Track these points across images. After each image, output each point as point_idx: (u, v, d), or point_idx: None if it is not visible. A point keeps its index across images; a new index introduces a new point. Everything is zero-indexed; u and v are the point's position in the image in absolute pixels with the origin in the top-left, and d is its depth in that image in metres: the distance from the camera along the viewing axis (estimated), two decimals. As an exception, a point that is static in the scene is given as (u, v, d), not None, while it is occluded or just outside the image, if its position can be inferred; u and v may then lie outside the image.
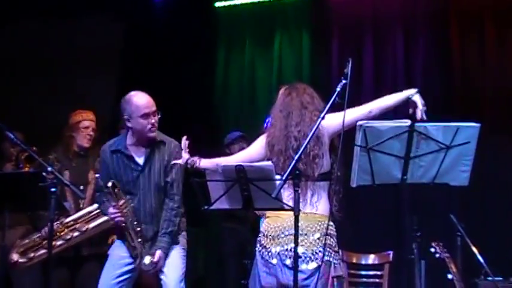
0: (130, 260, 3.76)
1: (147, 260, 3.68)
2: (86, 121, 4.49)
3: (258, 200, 3.08)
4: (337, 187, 3.35)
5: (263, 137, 3.46)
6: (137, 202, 3.78)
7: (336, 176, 3.31)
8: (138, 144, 3.78)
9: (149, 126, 3.69)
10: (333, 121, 3.25)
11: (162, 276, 3.77)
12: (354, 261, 4.98)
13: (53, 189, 3.50)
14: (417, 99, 3.31)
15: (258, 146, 3.47)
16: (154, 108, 3.70)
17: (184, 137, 3.49)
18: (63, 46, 6.42)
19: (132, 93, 3.74)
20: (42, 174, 3.60)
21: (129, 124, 3.71)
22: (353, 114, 3.24)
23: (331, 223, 3.31)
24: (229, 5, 6.42)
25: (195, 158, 3.44)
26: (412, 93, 3.35)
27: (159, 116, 3.73)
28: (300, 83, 3.62)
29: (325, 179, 3.32)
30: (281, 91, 3.53)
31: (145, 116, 3.66)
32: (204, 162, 3.44)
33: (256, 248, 3.37)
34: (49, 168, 3.57)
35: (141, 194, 3.78)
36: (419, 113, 3.26)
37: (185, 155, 3.45)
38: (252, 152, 3.49)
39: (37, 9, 6.32)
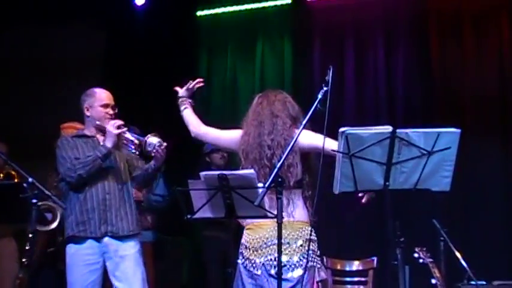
0: (97, 261, 3.78)
1: (154, 139, 3.81)
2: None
3: (241, 208, 3.08)
4: (309, 192, 3.36)
5: (240, 133, 3.48)
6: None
7: (308, 182, 3.35)
8: (96, 134, 3.96)
9: (107, 115, 3.90)
10: (304, 139, 3.26)
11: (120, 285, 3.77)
12: (338, 268, 4.98)
13: (34, 201, 3.49)
14: None
15: (232, 136, 3.51)
16: (113, 103, 3.97)
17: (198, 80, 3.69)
18: (45, 54, 6.37)
19: (94, 88, 4.02)
20: (23, 185, 3.58)
21: (87, 113, 3.94)
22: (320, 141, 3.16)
23: (307, 228, 3.32)
24: (211, 14, 6.44)
25: (187, 102, 3.65)
26: None
27: (116, 111, 3.95)
28: (273, 90, 3.63)
29: (301, 186, 3.34)
30: (254, 100, 3.55)
31: (105, 106, 3.92)
32: (187, 113, 3.63)
33: (239, 261, 3.36)
34: (30, 179, 3.54)
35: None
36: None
37: (185, 91, 3.66)
38: (224, 136, 3.57)
39: (17, 18, 6.27)
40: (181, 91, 3.68)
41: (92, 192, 3.79)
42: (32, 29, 6.37)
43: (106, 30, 6.56)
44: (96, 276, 3.78)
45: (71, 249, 3.81)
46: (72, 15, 6.26)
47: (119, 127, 3.77)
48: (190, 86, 3.68)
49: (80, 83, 6.19)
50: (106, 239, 3.78)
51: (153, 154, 3.81)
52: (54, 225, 4.36)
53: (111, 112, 3.93)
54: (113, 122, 3.80)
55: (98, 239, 3.78)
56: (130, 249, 3.82)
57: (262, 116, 3.42)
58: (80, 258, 3.78)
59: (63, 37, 6.37)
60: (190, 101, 3.67)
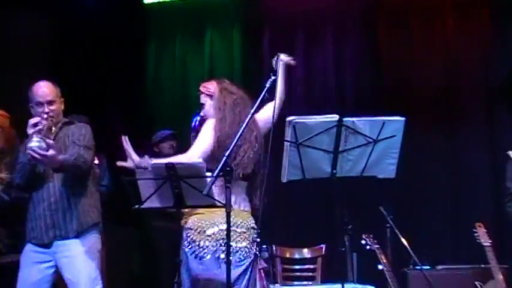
0: (47, 260, 3.67)
1: (33, 143, 3.40)
2: None
3: (190, 197, 3.09)
4: (257, 182, 3.43)
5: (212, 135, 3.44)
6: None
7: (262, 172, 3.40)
8: None
9: (43, 114, 3.63)
10: (261, 116, 3.35)
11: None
12: (288, 256, 5.04)
13: None
14: (284, 57, 3.39)
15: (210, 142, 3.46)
16: (49, 98, 3.71)
17: (124, 137, 3.44)
18: None
19: (36, 83, 3.77)
20: None
21: (32, 111, 3.74)
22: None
23: (251, 217, 3.41)
24: (160, 2, 6.35)
25: (147, 160, 3.38)
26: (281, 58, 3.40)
27: (53, 107, 3.70)
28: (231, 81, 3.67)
29: (247, 178, 3.41)
30: (217, 88, 3.55)
31: (39, 104, 3.68)
32: (176, 159, 3.39)
33: (186, 243, 3.37)
34: None
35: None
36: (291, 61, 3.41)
37: (135, 156, 3.39)
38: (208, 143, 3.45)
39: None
40: (132, 162, 3.40)
41: (38, 196, 3.67)
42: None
43: (50, 17, 6.36)
44: (43, 275, 3.67)
45: (26, 246, 3.73)
46: (12, 1, 6.04)
47: (35, 125, 3.52)
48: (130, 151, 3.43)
49: (24, 72, 6.03)
50: (55, 242, 3.66)
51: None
52: None
53: (47, 110, 3.66)
54: (30, 120, 3.56)
55: (47, 245, 3.67)
56: (80, 247, 3.67)
57: (239, 106, 3.47)
58: (30, 255, 3.69)
59: (5, 23, 6.15)
60: (147, 156, 3.43)
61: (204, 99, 3.60)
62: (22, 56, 6.10)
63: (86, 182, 3.77)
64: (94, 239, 3.74)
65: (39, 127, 3.53)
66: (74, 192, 3.70)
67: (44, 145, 3.41)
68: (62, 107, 3.80)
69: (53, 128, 3.69)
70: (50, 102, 3.70)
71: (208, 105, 3.56)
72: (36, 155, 3.39)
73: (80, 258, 3.66)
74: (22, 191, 3.76)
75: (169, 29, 6.42)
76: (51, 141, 3.47)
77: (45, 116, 3.63)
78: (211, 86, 3.60)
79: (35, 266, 3.68)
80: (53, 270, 3.70)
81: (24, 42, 6.14)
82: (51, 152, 3.40)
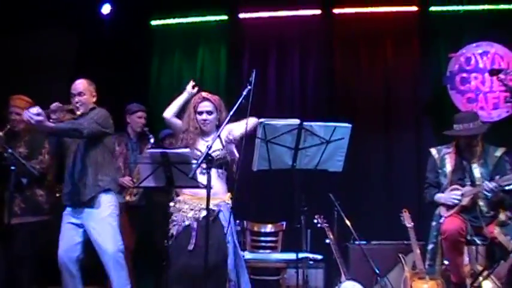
0: (77, 224, 3.60)
1: (34, 110, 3.30)
2: (12, 107, 4.12)
3: (178, 179, 3.04)
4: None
5: None
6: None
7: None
8: None
9: (73, 102, 3.73)
10: (236, 131, 3.35)
11: (97, 248, 3.55)
12: (256, 229, 5.01)
13: (12, 168, 3.53)
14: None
15: None
16: (75, 91, 3.74)
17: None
18: (20, 56, 5.93)
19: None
20: (4, 154, 3.59)
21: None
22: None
23: None
24: (163, 24, 6.28)
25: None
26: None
27: (81, 97, 3.73)
28: None
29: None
30: (223, 105, 3.51)
31: (71, 94, 3.75)
32: None
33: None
34: (9, 150, 3.56)
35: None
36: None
37: None
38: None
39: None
40: None
41: (65, 164, 3.68)
42: (13, 34, 5.93)
43: (76, 35, 6.22)
44: (74, 234, 3.60)
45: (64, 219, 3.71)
46: (46, 21, 5.89)
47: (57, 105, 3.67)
48: None
49: (51, 82, 5.86)
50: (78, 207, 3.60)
51: None
52: None
53: (76, 100, 3.69)
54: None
55: (74, 208, 3.62)
56: (98, 213, 3.55)
57: None
58: (65, 216, 3.66)
59: (38, 40, 5.96)
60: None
61: (212, 108, 3.48)
62: (52, 66, 5.94)
63: (98, 155, 3.63)
64: (108, 204, 3.58)
65: (59, 106, 3.64)
66: (85, 163, 3.59)
67: (35, 111, 3.29)
68: (93, 99, 3.80)
69: (79, 111, 3.70)
70: (79, 94, 3.72)
71: (215, 116, 3.48)
72: (27, 117, 3.29)
73: (102, 222, 3.54)
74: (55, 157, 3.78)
75: (170, 47, 6.34)
76: (42, 111, 3.33)
77: (74, 104, 3.69)
78: (219, 102, 3.51)
79: (67, 226, 3.59)
80: (81, 230, 3.59)
81: (53, 55, 5.99)
82: (39, 117, 3.28)
